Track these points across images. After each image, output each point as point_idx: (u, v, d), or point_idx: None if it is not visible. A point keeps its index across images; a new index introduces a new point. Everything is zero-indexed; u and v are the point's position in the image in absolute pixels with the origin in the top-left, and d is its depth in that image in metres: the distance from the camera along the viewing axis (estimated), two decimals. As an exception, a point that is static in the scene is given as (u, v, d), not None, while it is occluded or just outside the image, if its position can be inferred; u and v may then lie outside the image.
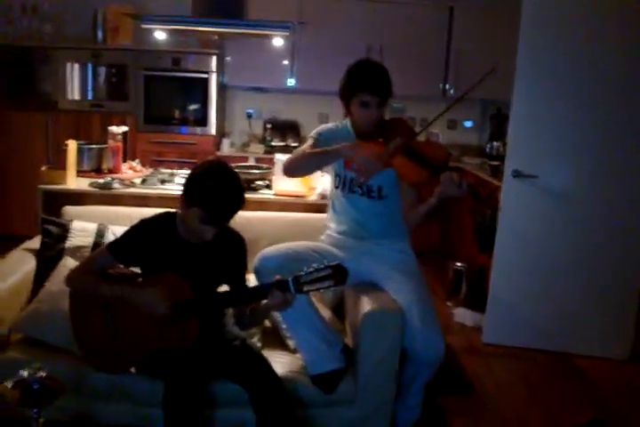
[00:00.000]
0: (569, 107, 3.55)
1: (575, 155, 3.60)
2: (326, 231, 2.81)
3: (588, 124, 3.56)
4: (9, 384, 1.86)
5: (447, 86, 5.55)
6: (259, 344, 2.57)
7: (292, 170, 2.66)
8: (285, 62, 5.48)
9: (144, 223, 2.34)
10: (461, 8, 5.46)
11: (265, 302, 2.18)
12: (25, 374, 1.87)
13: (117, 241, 2.34)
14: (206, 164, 2.27)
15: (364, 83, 2.50)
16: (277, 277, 2.11)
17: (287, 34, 4.56)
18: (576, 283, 3.68)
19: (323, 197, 3.33)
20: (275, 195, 3.40)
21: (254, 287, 2.26)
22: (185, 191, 2.20)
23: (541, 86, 3.55)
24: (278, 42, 5.12)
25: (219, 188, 2.15)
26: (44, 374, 1.87)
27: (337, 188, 2.71)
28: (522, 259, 3.72)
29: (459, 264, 4.48)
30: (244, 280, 2.40)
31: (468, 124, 6.00)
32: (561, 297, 3.70)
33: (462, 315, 4.18)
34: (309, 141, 2.68)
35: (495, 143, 5.34)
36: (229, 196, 2.17)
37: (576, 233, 3.65)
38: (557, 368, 3.56)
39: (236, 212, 2.20)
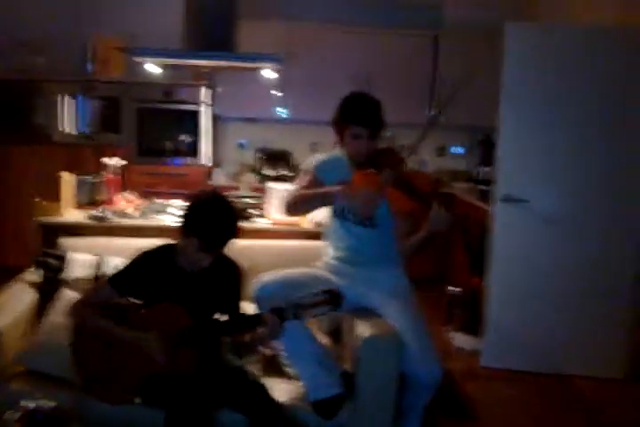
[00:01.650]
0: (556, 131, 3.63)
1: (565, 178, 3.67)
2: (323, 257, 2.85)
3: (577, 147, 3.63)
4: (13, 415, 1.88)
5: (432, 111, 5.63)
6: (258, 372, 2.57)
7: (292, 210, 2.73)
8: (276, 93, 5.55)
9: (145, 255, 2.37)
10: (446, 37, 5.58)
11: (262, 329, 2.20)
12: (29, 404, 1.88)
13: (119, 274, 2.37)
14: (201, 194, 2.33)
15: (355, 116, 2.57)
16: (272, 304, 2.14)
17: (277, 66, 4.64)
18: (570, 304, 3.71)
19: (317, 224, 3.36)
20: (270, 223, 3.43)
21: (251, 315, 2.29)
22: (182, 222, 2.25)
23: (527, 111, 3.63)
24: (268, 73, 5.20)
25: (214, 218, 2.20)
26: (48, 405, 1.88)
27: (334, 216, 2.76)
28: (515, 282, 3.75)
29: (453, 289, 4.50)
30: (237, 308, 2.43)
31: (457, 150, 6.08)
32: (557, 319, 3.73)
33: (460, 339, 4.20)
34: (307, 176, 2.74)
35: (484, 168, 5.41)
36: (224, 225, 2.22)
37: (568, 256, 3.69)
38: (555, 390, 3.57)
39: (229, 240, 2.25)
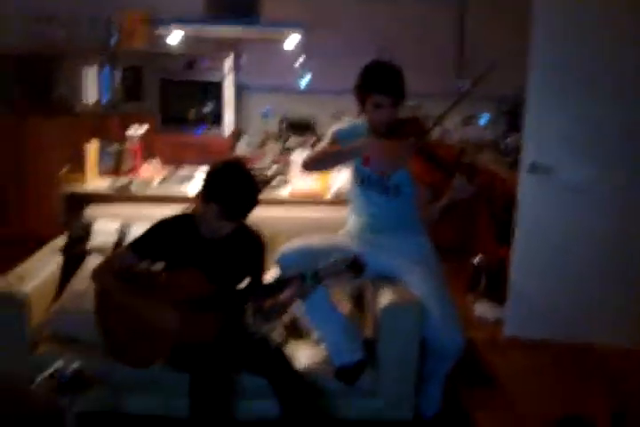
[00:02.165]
0: (584, 98, 3.54)
1: (591, 146, 3.59)
2: (345, 226, 2.85)
3: (604, 114, 3.54)
4: (43, 376, 1.94)
5: (462, 83, 5.55)
6: (280, 338, 2.60)
7: (311, 166, 2.74)
8: (299, 62, 5.51)
9: (163, 223, 2.40)
10: (473, 4, 5.47)
11: (285, 295, 2.21)
12: (57, 366, 1.94)
13: (139, 239, 2.40)
14: (222, 162, 2.34)
15: (376, 84, 2.54)
16: (296, 270, 2.15)
17: (301, 35, 4.61)
18: (596, 273, 3.67)
19: (338, 195, 3.36)
20: (291, 193, 3.43)
21: (274, 281, 2.30)
22: (203, 188, 2.27)
23: (555, 79, 3.54)
24: (292, 42, 5.17)
25: (234, 184, 2.22)
26: (76, 367, 1.94)
27: (355, 184, 2.75)
28: (541, 252, 3.71)
29: (478, 258, 4.48)
30: (260, 278, 2.46)
31: (483, 119, 5.99)
32: (581, 288, 3.69)
33: (483, 309, 4.18)
34: (329, 138, 2.75)
35: (510, 138, 5.34)
36: (244, 192, 2.24)
37: (594, 224, 3.63)
38: (580, 359, 3.56)
39: (251, 208, 2.27)
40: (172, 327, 2.23)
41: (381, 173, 2.59)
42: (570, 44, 3.51)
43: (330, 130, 2.82)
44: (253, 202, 2.26)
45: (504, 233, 3.95)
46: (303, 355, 2.48)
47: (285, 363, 2.33)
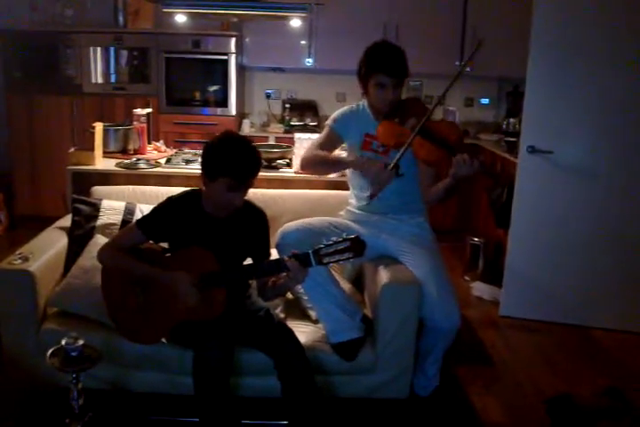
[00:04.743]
0: (583, 82, 3.57)
1: (590, 130, 3.63)
2: (346, 207, 2.91)
3: (603, 98, 3.57)
4: (49, 352, 2.00)
5: (464, 64, 5.55)
6: (282, 315, 2.67)
7: (305, 169, 2.91)
8: (303, 42, 5.52)
9: (171, 200, 2.43)
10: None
11: (285, 273, 2.27)
12: (64, 342, 2.00)
13: (146, 218, 2.44)
14: (214, 137, 2.34)
15: (380, 64, 2.59)
16: (293, 250, 2.21)
17: (305, 15, 4.63)
18: (593, 256, 3.72)
19: (342, 174, 3.41)
20: (295, 173, 3.47)
21: (275, 260, 2.35)
22: (205, 166, 2.30)
23: (556, 62, 3.57)
24: (296, 22, 5.20)
25: (234, 152, 2.24)
26: (82, 343, 2.00)
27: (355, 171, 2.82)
28: (538, 233, 3.77)
29: (476, 239, 4.55)
30: (267, 253, 2.51)
31: (485, 101, 6.01)
32: (577, 270, 3.75)
33: (480, 289, 4.26)
34: (325, 131, 2.85)
35: (511, 120, 5.36)
36: (246, 157, 2.26)
37: (592, 207, 3.68)
38: (574, 340, 3.62)
39: (257, 171, 2.30)
40: (187, 289, 2.24)
41: (383, 153, 2.65)
42: (569, 31, 3.53)
43: (330, 118, 2.87)
44: (257, 165, 2.29)
45: (503, 216, 4.00)
46: (303, 333, 2.54)
47: (290, 336, 2.38)
